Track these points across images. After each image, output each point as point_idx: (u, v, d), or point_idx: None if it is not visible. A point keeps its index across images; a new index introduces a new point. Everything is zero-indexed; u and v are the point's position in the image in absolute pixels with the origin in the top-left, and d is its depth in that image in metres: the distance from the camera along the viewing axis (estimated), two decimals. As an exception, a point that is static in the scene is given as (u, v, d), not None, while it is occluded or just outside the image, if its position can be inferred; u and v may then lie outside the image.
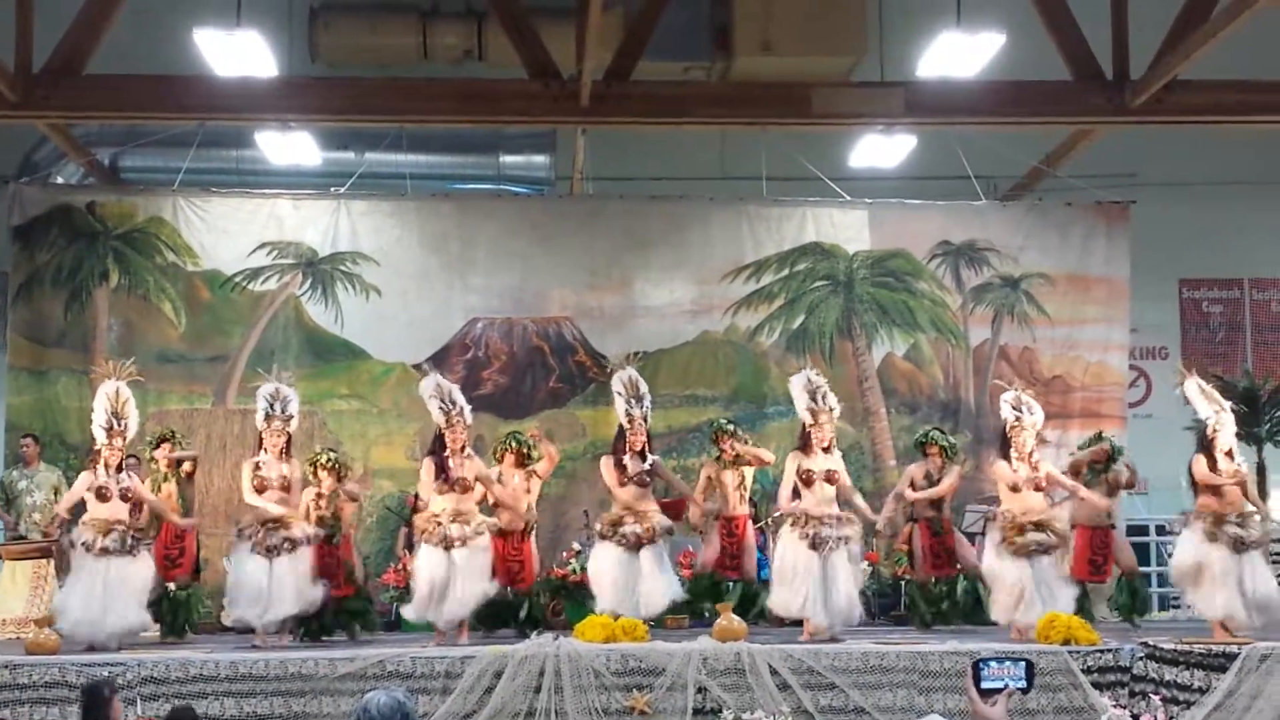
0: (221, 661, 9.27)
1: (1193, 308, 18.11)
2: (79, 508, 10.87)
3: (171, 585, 11.77)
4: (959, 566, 12.05)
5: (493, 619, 11.24)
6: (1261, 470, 13.36)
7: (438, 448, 10.88)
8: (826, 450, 11.08)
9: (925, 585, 12.04)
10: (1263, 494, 13.28)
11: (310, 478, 11.64)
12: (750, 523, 12.31)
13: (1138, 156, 16.44)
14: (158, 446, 12.05)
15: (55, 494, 13.22)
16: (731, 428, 12.41)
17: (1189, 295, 18.11)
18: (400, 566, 12.31)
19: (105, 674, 8.87)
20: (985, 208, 15.35)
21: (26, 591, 12.29)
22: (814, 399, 11.15)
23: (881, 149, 14.95)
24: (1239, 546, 10.27)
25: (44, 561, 12.41)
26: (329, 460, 11.77)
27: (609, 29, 13.17)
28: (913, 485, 12.16)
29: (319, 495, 11.57)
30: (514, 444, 11.83)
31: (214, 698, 9.12)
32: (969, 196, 15.18)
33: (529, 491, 11.82)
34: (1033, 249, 15.18)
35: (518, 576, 11.43)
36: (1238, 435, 13.08)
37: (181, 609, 11.66)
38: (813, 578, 10.65)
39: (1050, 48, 12.92)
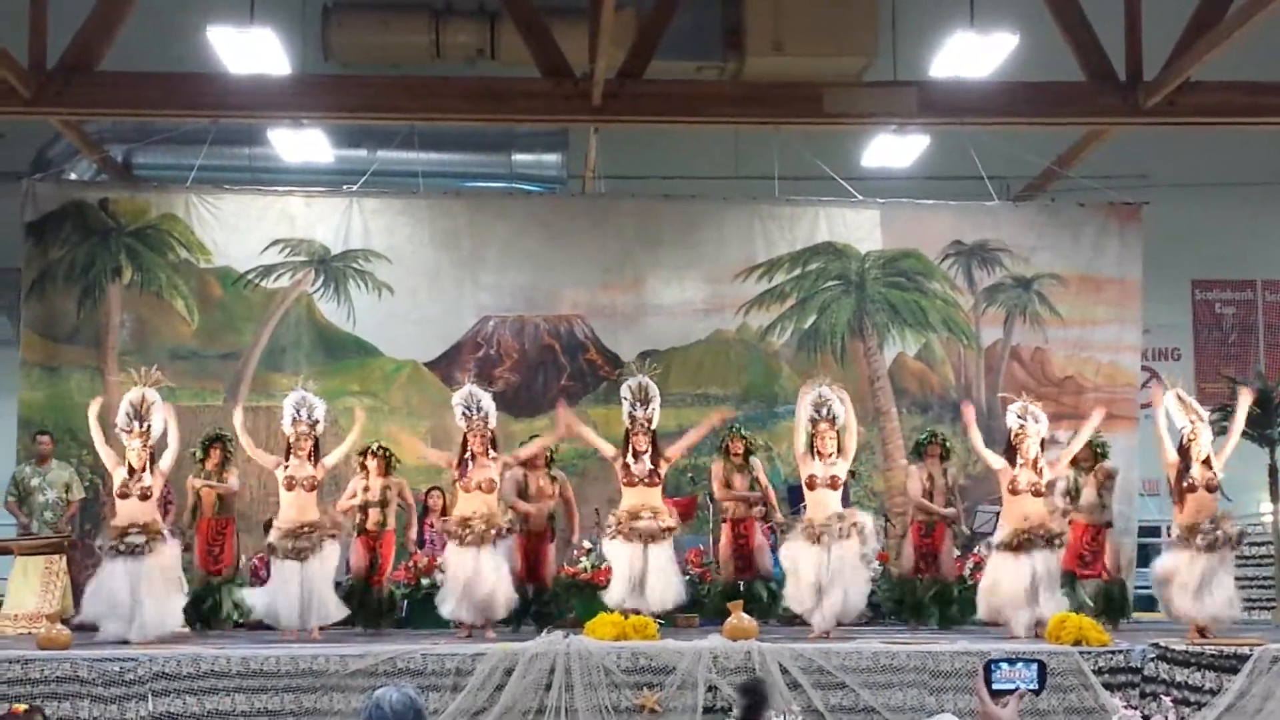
0: (233, 657, 9.27)
1: (1205, 309, 18.09)
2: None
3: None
4: (942, 569, 12.21)
5: (514, 615, 11.35)
6: (1274, 473, 13.33)
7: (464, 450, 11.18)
8: (830, 457, 11.19)
9: (908, 583, 12.17)
10: (1275, 496, 13.28)
11: (358, 469, 11.88)
12: (759, 523, 12.34)
13: (1150, 157, 16.44)
14: (209, 447, 12.09)
15: (67, 491, 13.28)
16: (744, 433, 12.49)
17: (1201, 296, 18.10)
18: (411, 563, 12.35)
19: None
20: (998, 208, 15.33)
21: (38, 587, 12.30)
22: (817, 411, 11.27)
23: (894, 149, 14.96)
24: (1208, 552, 10.46)
25: (55, 557, 12.43)
26: (378, 449, 11.92)
27: (621, 28, 13.16)
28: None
29: (366, 487, 11.76)
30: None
31: (225, 693, 9.11)
32: (981, 197, 15.16)
33: (552, 496, 11.85)
34: (1045, 249, 15.16)
35: (536, 574, 11.58)
36: (1250, 438, 13.15)
37: (223, 603, 11.75)
38: (815, 578, 10.78)
39: (1063, 48, 12.90)
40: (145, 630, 10.35)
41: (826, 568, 10.74)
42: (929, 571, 12.19)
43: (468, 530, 10.79)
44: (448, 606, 10.92)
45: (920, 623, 12.08)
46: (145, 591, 10.48)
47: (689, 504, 13.03)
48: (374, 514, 11.78)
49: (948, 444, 12.61)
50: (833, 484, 11.06)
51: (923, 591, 12.14)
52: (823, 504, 11.00)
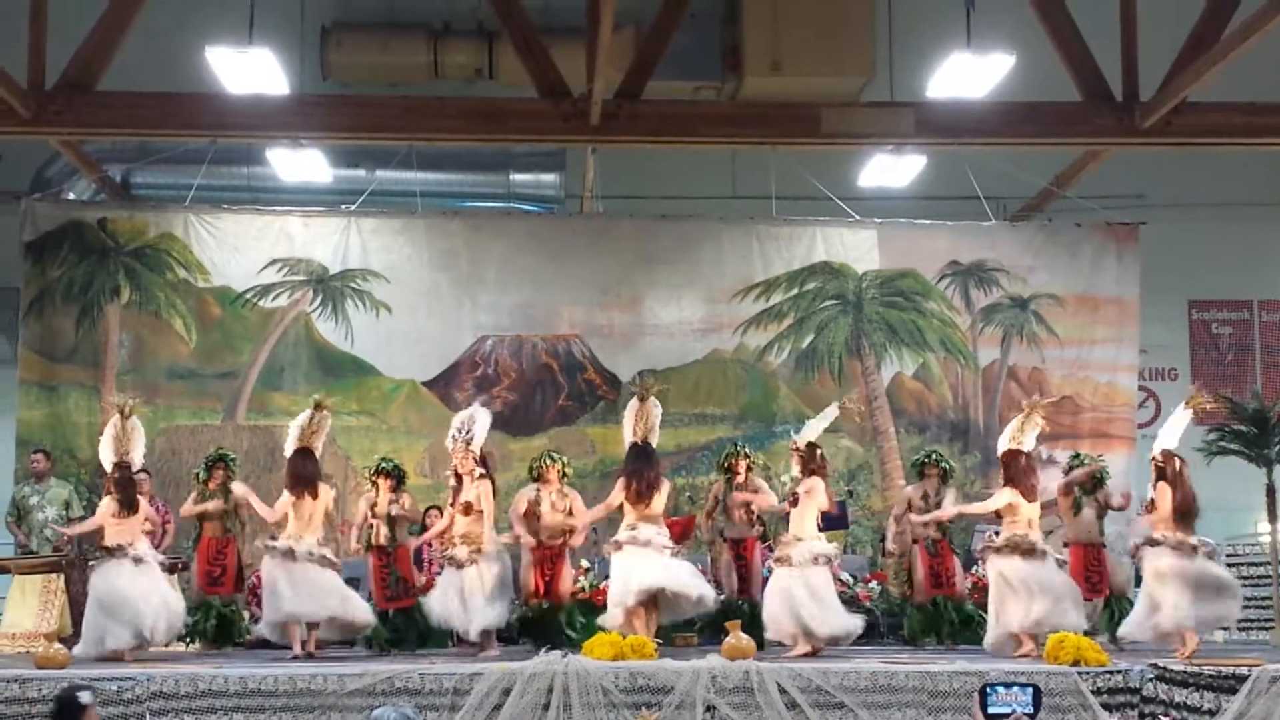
0: (231, 676, 9.26)
1: (1202, 329, 18.10)
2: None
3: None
4: (954, 588, 12.23)
5: (532, 631, 11.39)
6: (1271, 492, 13.31)
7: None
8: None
9: (924, 605, 12.17)
10: (1273, 517, 13.27)
11: (369, 486, 11.89)
12: (758, 544, 12.34)
13: (1147, 178, 16.47)
14: (211, 468, 12.09)
15: (66, 509, 13.25)
16: (748, 452, 12.45)
17: (1198, 316, 18.11)
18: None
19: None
20: (995, 228, 15.37)
21: (35, 606, 12.32)
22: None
23: (891, 169, 15.01)
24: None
25: (53, 576, 12.42)
26: (388, 466, 11.87)
27: (619, 48, 13.20)
28: (910, 507, 12.29)
29: (375, 503, 11.74)
30: (549, 461, 11.89)
31: (223, 712, 9.11)
32: (978, 217, 15.19)
33: (568, 511, 11.81)
34: (1042, 269, 15.19)
35: (552, 590, 11.60)
36: (1247, 458, 13.16)
37: (225, 622, 11.75)
38: (788, 598, 10.94)
39: (1060, 69, 12.95)
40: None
41: (805, 592, 10.90)
42: (944, 591, 12.18)
43: (450, 551, 11.03)
44: (434, 616, 11.17)
45: (951, 644, 12.04)
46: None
47: (686, 524, 13.00)
48: (384, 530, 11.72)
49: (946, 465, 12.59)
50: (794, 501, 11.20)
51: (941, 612, 12.14)
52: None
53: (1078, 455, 12.47)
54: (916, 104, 13.45)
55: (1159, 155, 15.10)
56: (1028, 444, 11.24)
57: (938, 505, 12.25)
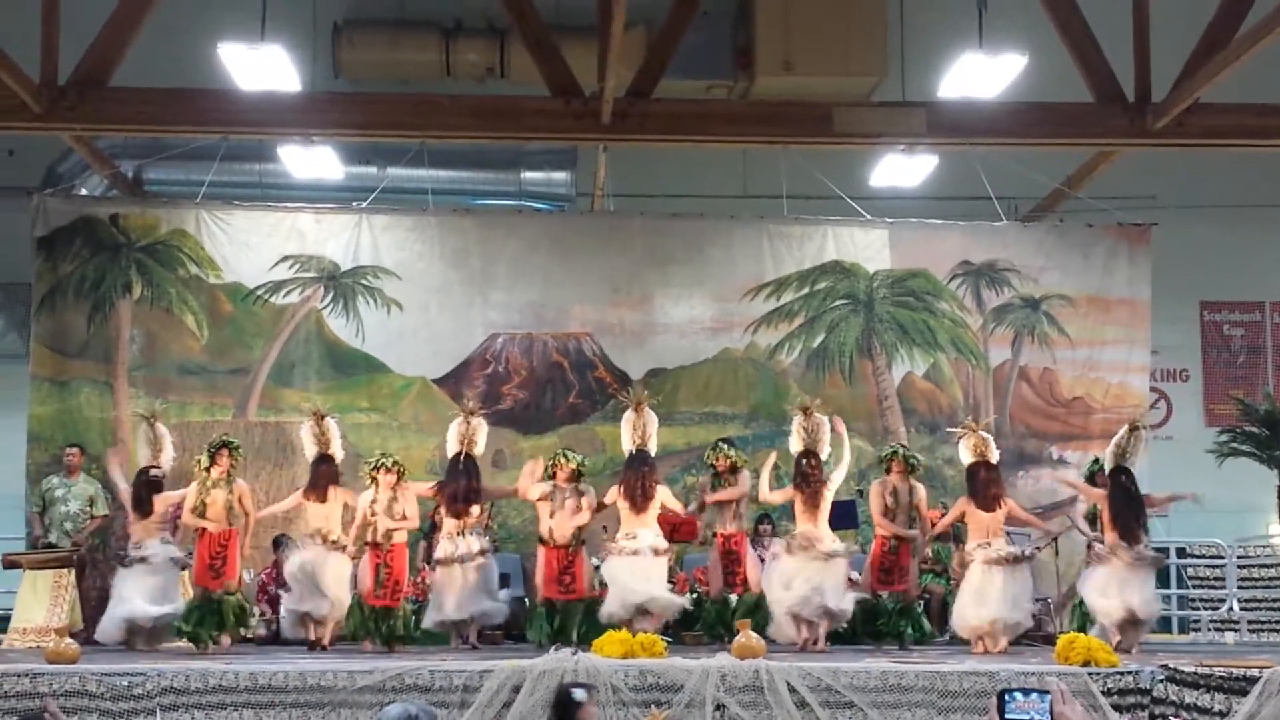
0: (241, 672, 9.26)
1: (1214, 330, 18.09)
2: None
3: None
4: (905, 585, 12.04)
5: (552, 630, 11.42)
6: (1281, 494, 13.34)
7: None
8: None
9: (872, 599, 11.94)
10: (1283, 518, 13.28)
11: (368, 481, 11.88)
12: (747, 538, 12.24)
13: (1158, 179, 16.45)
14: (215, 454, 12.04)
15: (90, 505, 13.23)
16: (732, 453, 12.29)
17: (1210, 318, 18.10)
18: (420, 579, 12.35)
19: None
20: (1006, 228, 15.34)
21: (47, 600, 12.34)
22: None
23: (902, 169, 14.99)
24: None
25: (64, 571, 12.45)
26: (389, 463, 11.87)
27: (631, 47, 13.21)
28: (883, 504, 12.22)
29: (375, 499, 11.73)
30: (564, 459, 11.89)
31: (233, 708, 9.10)
32: (990, 217, 15.17)
33: (579, 510, 11.76)
34: (1053, 270, 15.15)
35: (570, 588, 11.60)
36: (1259, 460, 13.16)
37: (225, 617, 11.70)
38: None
39: (1072, 69, 12.94)
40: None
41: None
42: (894, 587, 11.92)
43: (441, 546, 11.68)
44: (426, 619, 11.67)
45: (879, 643, 11.93)
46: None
47: (691, 524, 12.95)
48: (382, 525, 11.68)
49: (913, 460, 12.32)
50: None
51: (888, 608, 11.98)
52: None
53: (1097, 461, 12.40)
54: (928, 104, 13.46)
55: (1171, 156, 15.08)
56: (964, 457, 11.74)
57: (914, 503, 12.12)
